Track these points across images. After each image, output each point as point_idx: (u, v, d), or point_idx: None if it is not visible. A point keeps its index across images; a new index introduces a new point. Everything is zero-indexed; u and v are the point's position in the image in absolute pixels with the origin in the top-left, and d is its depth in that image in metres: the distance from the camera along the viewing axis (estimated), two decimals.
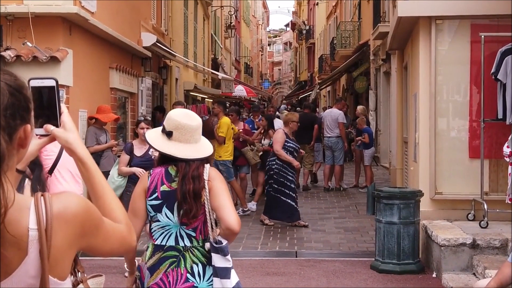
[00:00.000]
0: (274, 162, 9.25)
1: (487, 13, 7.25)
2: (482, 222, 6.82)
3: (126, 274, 6.38)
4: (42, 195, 1.34)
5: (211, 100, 22.67)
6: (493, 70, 6.85)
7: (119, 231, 1.56)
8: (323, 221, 9.84)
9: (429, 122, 7.45)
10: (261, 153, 10.81)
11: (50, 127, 1.51)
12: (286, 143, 9.21)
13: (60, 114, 1.52)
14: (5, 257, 1.27)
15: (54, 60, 7.95)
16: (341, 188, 13.08)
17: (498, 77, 6.79)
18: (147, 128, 6.55)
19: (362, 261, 7.21)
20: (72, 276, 1.59)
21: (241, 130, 10.86)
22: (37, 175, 2.57)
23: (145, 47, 12.47)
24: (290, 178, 9.28)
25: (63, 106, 1.54)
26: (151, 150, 6.41)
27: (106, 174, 6.76)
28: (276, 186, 9.22)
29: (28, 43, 7.95)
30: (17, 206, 1.29)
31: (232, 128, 10.28)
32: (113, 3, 10.60)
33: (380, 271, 6.69)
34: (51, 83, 1.51)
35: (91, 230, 1.43)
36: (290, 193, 9.21)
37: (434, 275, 6.52)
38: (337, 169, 12.93)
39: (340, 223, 9.64)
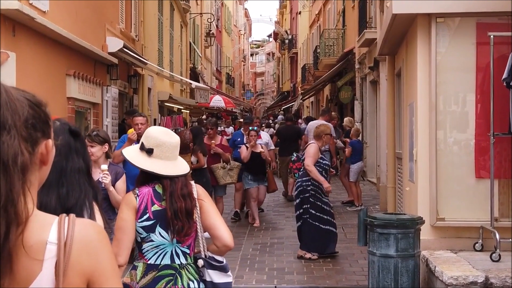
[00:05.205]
0: (310, 183, 7.76)
1: (495, 10, 6.28)
2: (494, 254, 5.83)
3: None
4: (67, 215, 1.31)
5: (188, 111, 21.54)
6: (504, 75, 5.91)
7: None
8: None
9: (429, 136, 6.48)
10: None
11: None
12: (321, 160, 7.86)
13: None
14: (21, 269, 1.21)
15: None
16: None
17: (511, 84, 5.82)
18: (91, 147, 5.38)
19: None
20: None
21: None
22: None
23: (110, 53, 11.32)
24: (326, 200, 7.88)
25: None
26: (101, 176, 5.25)
27: None
28: (313, 211, 7.77)
29: None
30: (39, 221, 1.26)
31: None
32: (71, 2, 9.46)
33: None
34: None
35: (104, 267, 1.30)
36: (329, 218, 7.88)
37: None
38: None
39: None
